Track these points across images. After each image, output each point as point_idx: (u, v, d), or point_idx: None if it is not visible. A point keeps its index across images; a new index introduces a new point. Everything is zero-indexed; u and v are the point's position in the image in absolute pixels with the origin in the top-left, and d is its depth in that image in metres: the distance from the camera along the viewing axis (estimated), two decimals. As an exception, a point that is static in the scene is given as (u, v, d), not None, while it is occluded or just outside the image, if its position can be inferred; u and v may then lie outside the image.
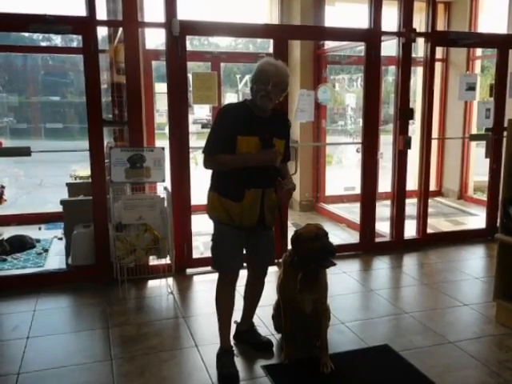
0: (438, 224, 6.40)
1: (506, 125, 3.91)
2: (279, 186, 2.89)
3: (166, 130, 4.62)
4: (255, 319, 3.37)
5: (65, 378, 2.94)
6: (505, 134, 3.87)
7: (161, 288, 4.34)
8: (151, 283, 4.43)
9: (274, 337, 3.36)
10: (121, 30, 4.43)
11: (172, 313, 3.91)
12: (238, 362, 3.05)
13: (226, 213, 2.90)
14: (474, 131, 7.16)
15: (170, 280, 4.43)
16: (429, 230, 5.62)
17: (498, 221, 3.82)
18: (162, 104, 6.40)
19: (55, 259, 5.05)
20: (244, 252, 3.08)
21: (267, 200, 2.91)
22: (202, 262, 4.64)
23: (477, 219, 6.62)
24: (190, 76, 4.57)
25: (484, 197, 6.94)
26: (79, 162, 5.91)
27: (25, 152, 4.16)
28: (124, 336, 3.45)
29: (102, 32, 4.74)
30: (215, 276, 3.07)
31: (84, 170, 5.67)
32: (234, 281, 3.04)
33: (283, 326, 3.12)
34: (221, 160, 2.87)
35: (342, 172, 8.79)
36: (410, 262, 5.13)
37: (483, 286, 4.40)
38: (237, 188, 2.86)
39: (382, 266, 4.99)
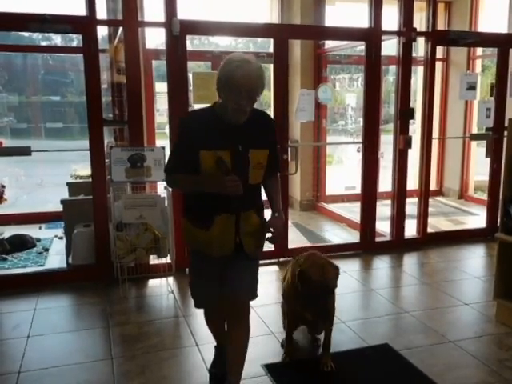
0: (438, 223, 6.40)
1: (506, 124, 3.91)
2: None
3: (167, 130, 4.63)
4: (255, 318, 3.37)
5: (65, 376, 2.94)
6: (505, 133, 3.86)
7: (161, 287, 4.34)
8: (151, 282, 4.44)
9: (275, 335, 3.37)
10: (121, 29, 4.43)
11: (172, 312, 3.92)
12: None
13: (195, 239, 2.45)
14: (475, 131, 7.16)
15: (171, 279, 4.43)
16: (429, 230, 5.61)
17: (499, 220, 3.82)
18: (162, 103, 6.40)
19: (56, 258, 5.05)
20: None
21: (244, 225, 2.38)
22: (202, 261, 4.64)
23: (477, 219, 6.62)
24: (190, 75, 4.58)
25: (484, 196, 6.94)
26: (79, 161, 5.91)
27: (25, 151, 4.16)
28: (124, 335, 3.45)
29: (102, 31, 4.75)
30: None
31: (84, 170, 5.67)
32: (215, 312, 2.69)
33: (286, 326, 3.13)
34: (176, 181, 2.47)
35: (343, 171, 8.78)
36: (410, 261, 5.13)
37: (483, 285, 4.39)
38: (204, 213, 2.36)
39: (382, 265, 4.99)
